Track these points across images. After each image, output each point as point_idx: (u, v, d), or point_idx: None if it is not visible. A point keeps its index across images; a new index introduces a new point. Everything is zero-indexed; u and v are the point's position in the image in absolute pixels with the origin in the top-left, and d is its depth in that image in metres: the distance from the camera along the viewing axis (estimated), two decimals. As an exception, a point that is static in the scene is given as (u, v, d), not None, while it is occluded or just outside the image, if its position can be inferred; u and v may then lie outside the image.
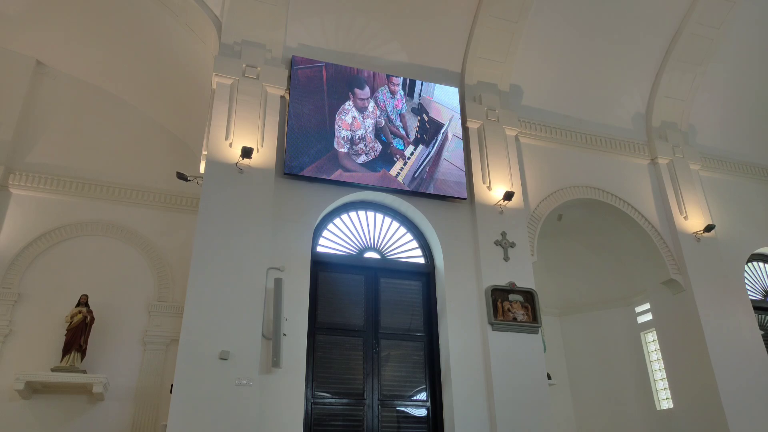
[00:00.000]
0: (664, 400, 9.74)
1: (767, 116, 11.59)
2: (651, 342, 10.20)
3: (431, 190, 8.50)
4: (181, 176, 8.28)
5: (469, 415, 7.36)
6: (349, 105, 8.61)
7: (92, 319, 8.61)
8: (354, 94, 8.67)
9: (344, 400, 7.47)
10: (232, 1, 8.42)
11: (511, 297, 8.11)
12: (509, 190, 8.74)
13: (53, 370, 8.18)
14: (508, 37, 9.60)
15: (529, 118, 9.87)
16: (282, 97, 8.40)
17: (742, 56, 10.98)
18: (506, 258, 8.41)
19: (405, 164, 8.58)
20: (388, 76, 9.05)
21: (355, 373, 7.62)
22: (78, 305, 8.64)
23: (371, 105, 8.74)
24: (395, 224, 8.72)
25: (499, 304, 8.02)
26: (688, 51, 10.50)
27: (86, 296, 8.74)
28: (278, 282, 7.04)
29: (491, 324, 7.90)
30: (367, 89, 8.80)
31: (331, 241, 8.29)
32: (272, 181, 7.69)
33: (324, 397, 7.40)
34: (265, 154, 7.80)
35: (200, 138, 9.51)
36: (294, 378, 6.86)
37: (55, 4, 9.23)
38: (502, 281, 8.21)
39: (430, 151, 8.81)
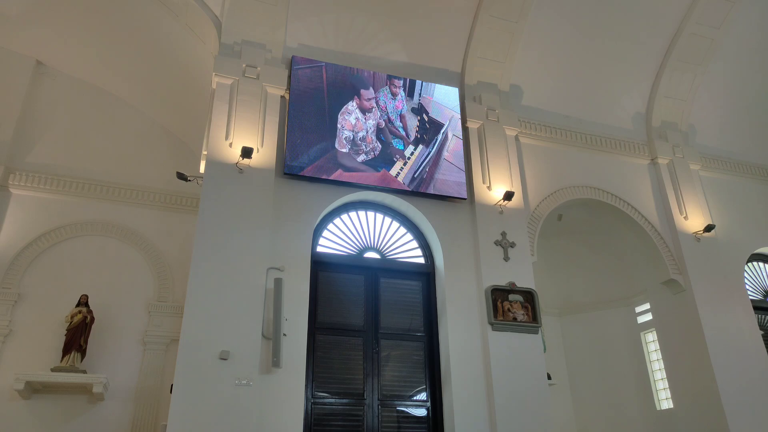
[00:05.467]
0: (664, 400, 9.74)
1: (767, 116, 11.59)
2: (651, 342, 10.20)
3: (431, 190, 8.49)
4: (181, 176, 8.28)
5: (469, 415, 7.36)
6: (352, 106, 8.61)
7: (92, 319, 8.62)
8: (360, 95, 8.66)
9: (344, 400, 7.47)
10: (232, 1, 8.42)
11: (511, 297, 8.11)
12: (509, 190, 8.74)
13: (53, 370, 8.18)
14: (508, 37, 9.60)
15: (529, 118, 9.87)
16: (282, 97, 8.40)
17: (742, 56, 10.97)
18: (506, 258, 8.41)
19: (405, 164, 8.57)
20: (390, 78, 9.05)
21: (355, 373, 7.62)
22: (78, 305, 8.64)
23: (374, 106, 8.74)
24: (395, 224, 8.72)
25: (499, 304, 8.02)
26: (688, 51, 10.50)
27: (86, 296, 8.74)
28: (278, 282, 7.04)
29: (491, 324, 7.90)
30: (371, 90, 8.80)
31: (331, 241, 8.29)
32: (272, 181, 7.69)
33: (324, 397, 7.39)
34: (265, 154, 7.79)
35: (200, 138, 9.52)
36: (294, 378, 6.86)
37: (55, 4, 9.23)
38: (502, 281, 8.21)
39: (430, 151, 8.82)
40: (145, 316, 9.29)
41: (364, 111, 8.62)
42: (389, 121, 8.80)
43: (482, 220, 8.57)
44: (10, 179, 9.30)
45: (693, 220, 9.90)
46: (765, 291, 10.66)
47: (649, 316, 10.18)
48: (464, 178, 8.74)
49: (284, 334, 6.85)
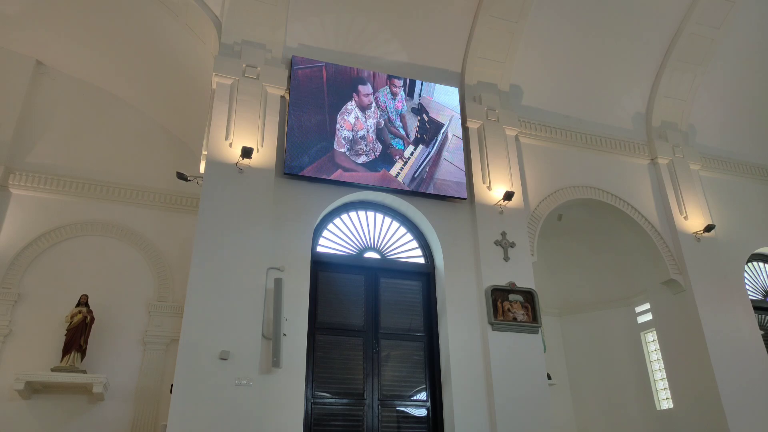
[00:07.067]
0: (664, 400, 9.74)
1: (767, 116, 11.59)
2: (651, 342, 10.20)
3: (431, 190, 8.49)
4: (181, 176, 8.28)
5: (469, 415, 7.36)
6: (351, 105, 8.60)
7: (92, 319, 8.61)
8: (358, 92, 8.66)
9: (344, 400, 7.47)
10: (232, 1, 8.42)
11: (511, 297, 8.12)
12: (509, 190, 8.74)
13: (53, 370, 8.18)
14: (508, 37, 9.60)
15: (529, 118, 9.87)
16: (282, 97, 8.40)
17: (742, 56, 10.98)
18: (506, 258, 8.41)
19: (405, 164, 8.57)
20: (390, 78, 9.05)
21: (355, 373, 7.62)
22: (78, 305, 8.64)
23: (373, 104, 8.74)
24: (395, 224, 8.72)
25: (499, 304, 8.02)
26: (688, 51, 10.50)
27: (86, 296, 8.74)
28: (278, 282, 7.04)
29: (491, 324, 7.90)
30: (369, 86, 8.80)
31: (331, 241, 8.29)
32: (272, 181, 7.69)
33: (324, 397, 7.40)
34: (265, 154, 7.80)
35: (200, 138, 9.52)
36: (294, 378, 6.86)
37: (55, 4, 9.23)
38: (502, 281, 8.21)
39: (430, 151, 8.81)
40: (145, 316, 9.29)
41: (363, 109, 8.61)
42: (389, 120, 8.80)
43: (482, 220, 8.57)
44: (10, 179, 9.29)
45: (693, 220, 9.90)
46: (765, 291, 10.66)
47: (649, 316, 10.18)
48: (464, 178, 8.74)
49: (284, 334, 6.85)
